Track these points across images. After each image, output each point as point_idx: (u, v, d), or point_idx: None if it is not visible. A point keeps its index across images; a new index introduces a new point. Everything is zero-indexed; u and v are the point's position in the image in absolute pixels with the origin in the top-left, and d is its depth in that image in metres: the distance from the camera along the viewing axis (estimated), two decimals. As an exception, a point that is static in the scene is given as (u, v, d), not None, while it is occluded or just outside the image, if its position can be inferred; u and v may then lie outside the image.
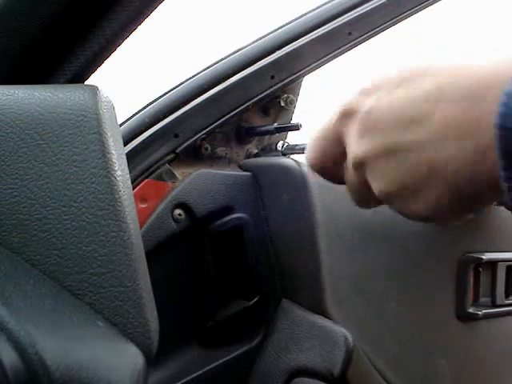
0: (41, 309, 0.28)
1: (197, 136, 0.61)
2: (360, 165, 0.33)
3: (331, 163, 0.37)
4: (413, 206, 0.33)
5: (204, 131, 0.61)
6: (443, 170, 0.29)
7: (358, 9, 0.68)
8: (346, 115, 0.33)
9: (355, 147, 0.33)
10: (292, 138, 0.71)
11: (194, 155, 0.63)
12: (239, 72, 0.63)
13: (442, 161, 0.29)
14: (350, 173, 0.35)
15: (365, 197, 0.36)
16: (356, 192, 0.37)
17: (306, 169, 0.60)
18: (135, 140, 0.58)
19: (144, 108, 0.60)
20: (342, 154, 0.35)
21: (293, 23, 0.66)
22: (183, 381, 0.60)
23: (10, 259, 0.30)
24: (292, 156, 0.66)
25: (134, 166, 0.57)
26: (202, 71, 0.63)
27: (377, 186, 0.33)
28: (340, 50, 0.67)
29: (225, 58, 0.64)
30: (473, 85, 0.27)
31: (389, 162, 0.31)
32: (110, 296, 0.31)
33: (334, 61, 0.68)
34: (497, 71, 0.27)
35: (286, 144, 0.66)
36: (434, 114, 0.28)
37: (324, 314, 0.59)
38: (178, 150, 0.60)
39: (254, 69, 0.63)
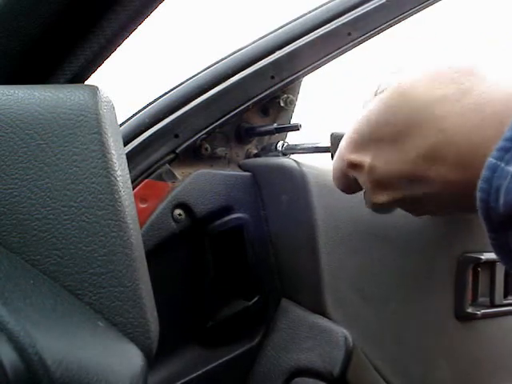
0: (41, 309, 0.28)
1: (197, 136, 0.61)
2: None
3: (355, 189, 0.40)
4: (419, 211, 0.36)
5: (204, 131, 0.61)
6: (443, 203, 0.32)
7: (358, 9, 0.68)
8: (354, 166, 0.36)
9: (372, 198, 0.36)
10: (292, 137, 0.71)
11: (194, 155, 0.63)
12: (239, 72, 0.63)
13: (441, 202, 0.32)
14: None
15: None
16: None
17: (305, 169, 0.60)
18: (135, 140, 0.58)
19: (144, 108, 0.60)
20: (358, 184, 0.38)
21: (293, 23, 0.66)
22: (183, 381, 0.60)
23: (9, 259, 0.30)
24: (292, 156, 0.66)
25: (134, 166, 0.57)
26: (202, 71, 0.63)
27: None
28: (340, 50, 0.67)
29: (225, 57, 0.64)
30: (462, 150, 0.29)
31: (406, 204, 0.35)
32: (109, 296, 0.31)
33: (334, 61, 0.68)
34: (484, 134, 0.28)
35: (285, 144, 0.66)
36: (430, 176, 0.31)
37: (324, 314, 0.60)
38: (178, 150, 0.60)
39: (253, 69, 0.63)
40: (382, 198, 0.34)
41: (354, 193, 0.41)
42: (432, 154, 0.30)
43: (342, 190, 0.41)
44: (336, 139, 0.50)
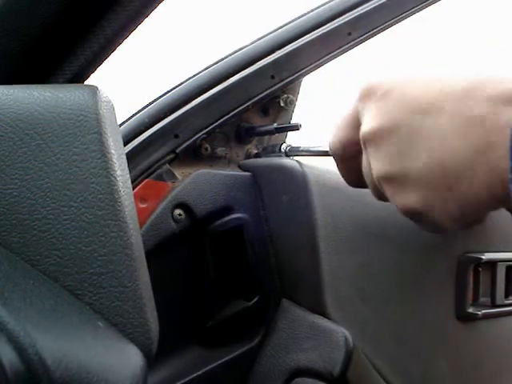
0: (41, 309, 0.28)
1: (197, 136, 0.61)
2: (368, 140, 0.33)
3: (352, 151, 0.37)
4: (404, 195, 0.32)
5: (204, 131, 0.61)
6: (441, 165, 0.29)
7: (358, 9, 0.67)
8: (365, 95, 0.33)
9: (367, 122, 0.33)
10: (292, 137, 0.71)
11: (194, 155, 0.63)
12: (239, 72, 0.63)
13: (443, 155, 0.29)
14: (363, 157, 0.36)
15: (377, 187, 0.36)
16: (368, 180, 0.37)
17: (306, 169, 0.60)
18: (135, 140, 0.58)
19: (144, 108, 0.60)
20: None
21: (293, 23, 0.66)
22: (183, 381, 0.60)
23: (9, 259, 0.30)
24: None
25: (134, 166, 0.57)
26: (201, 71, 0.63)
27: (376, 166, 0.33)
28: (340, 49, 0.67)
29: (225, 57, 0.64)
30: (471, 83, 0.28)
31: (395, 142, 0.31)
32: (109, 296, 0.31)
33: (334, 61, 0.68)
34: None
35: (289, 146, 0.66)
36: (445, 107, 0.29)
37: (324, 314, 0.59)
38: (177, 150, 0.60)
39: (254, 69, 0.63)
40: (379, 120, 0.32)
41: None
42: (450, 89, 0.29)
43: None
44: None
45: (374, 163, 0.33)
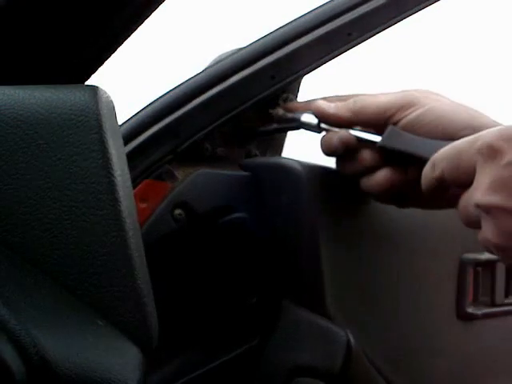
0: (41, 308, 0.28)
1: (197, 136, 0.61)
2: (483, 208, 0.35)
3: (454, 184, 0.40)
4: None
5: (204, 131, 0.61)
6: None
7: (358, 9, 0.67)
8: (488, 153, 0.34)
9: (484, 192, 0.35)
10: (292, 137, 0.71)
11: (194, 155, 0.63)
12: (239, 72, 0.63)
13: None
14: (464, 210, 0.38)
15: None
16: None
17: (306, 169, 0.60)
18: (135, 140, 0.58)
19: (144, 108, 0.60)
20: (467, 178, 0.37)
21: (293, 23, 0.66)
22: (183, 381, 0.60)
23: (10, 259, 0.30)
24: (293, 156, 0.66)
25: (134, 166, 0.57)
26: (202, 71, 0.63)
27: (491, 233, 0.35)
28: (340, 50, 0.67)
29: (225, 58, 0.64)
30: None
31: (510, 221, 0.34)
32: (109, 296, 0.31)
33: (334, 61, 0.68)
34: None
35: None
36: None
37: (324, 313, 0.60)
38: (178, 150, 0.60)
39: (253, 69, 0.63)
40: (497, 199, 0.34)
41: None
42: None
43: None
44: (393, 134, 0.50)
45: (490, 231, 0.35)
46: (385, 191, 0.52)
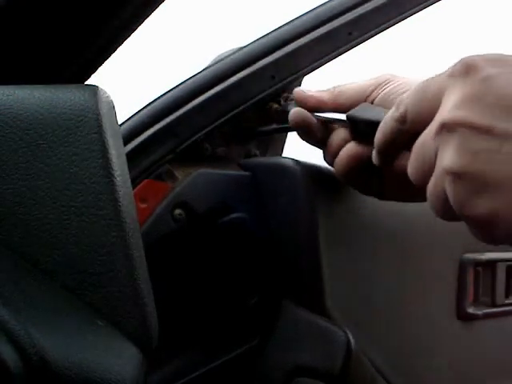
0: (41, 308, 0.28)
1: (197, 136, 0.61)
2: (448, 127, 0.29)
3: (408, 130, 0.33)
4: (478, 199, 0.28)
5: (204, 131, 0.61)
6: None
7: (358, 9, 0.67)
8: (462, 70, 0.29)
9: (451, 108, 0.29)
10: (292, 137, 0.71)
11: (194, 155, 0.63)
12: (239, 72, 0.63)
13: None
14: (428, 142, 0.31)
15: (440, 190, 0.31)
16: (419, 173, 0.32)
17: (306, 168, 0.60)
18: (135, 140, 0.58)
19: (144, 108, 0.60)
20: (430, 111, 0.31)
21: (293, 23, 0.66)
22: (183, 381, 0.60)
23: (10, 259, 0.30)
24: (292, 156, 0.66)
25: (134, 166, 0.57)
26: (201, 71, 0.63)
27: (449, 156, 0.29)
28: (340, 49, 0.67)
29: (225, 57, 0.64)
30: None
31: (486, 138, 0.28)
32: (109, 296, 0.31)
33: (334, 61, 0.68)
34: None
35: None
36: None
37: (324, 313, 0.59)
38: (177, 150, 0.60)
39: (253, 69, 0.63)
40: (468, 112, 0.28)
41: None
42: None
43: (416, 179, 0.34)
44: (355, 122, 0.48)
45: (450, 153, 0.29)
46: (353, 168, 0.48)
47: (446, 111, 0.29)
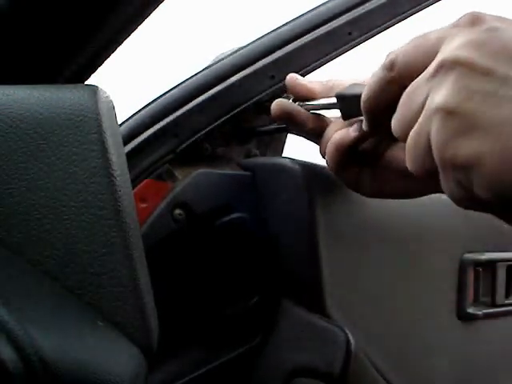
0: (41, 309, 0.28)
1: (197, 136, 0.61)
2: (447, 66, 0.28)
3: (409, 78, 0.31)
4: (465, 140, 0.27)
5: (204, 131, 0.61)
6: None
7: (359, 8, 0.67)
8: (466, 21, 0.29)
9: (453, 48, 0.28)
10: (292, 137, 0.71)
11: (194, 155, 0.63)
12: (239, 72, 0.63)
13: None
14: (418, 89, 0.30)
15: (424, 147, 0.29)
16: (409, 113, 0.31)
17: (306, 168, 0.60)
18: (135, 140, 0.58)
19: (144, 108, 0.60)
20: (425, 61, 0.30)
21: (293, 23, 0.66)
22: (183, 381, 0.60)
23: (10, 259, 0.30)
24: (292, 155, 0.66)
25: (134, 166, 0.57)
26: (201, 71, 0.63)
27: (444, 93, 0.28)
28: (340, 49, 0.67)
29: (225, 57, 0.64)
30: None
31: (486, 80, 0.27)
32: (109, 296, 0.31)
33: (334, 60, 0.68)
34: None
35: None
36: None
37: (324, 313, 0.59)
38: (177, 150, 0.60)
39: (253, 69, 0.63)
40: (470, 53, 0.27)
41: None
42: None
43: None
44: (344, 99, 0.45)
45: (444, 91, 0.28)
46: (343, 157, 0.46)
47: (448, 51, 0.29)
